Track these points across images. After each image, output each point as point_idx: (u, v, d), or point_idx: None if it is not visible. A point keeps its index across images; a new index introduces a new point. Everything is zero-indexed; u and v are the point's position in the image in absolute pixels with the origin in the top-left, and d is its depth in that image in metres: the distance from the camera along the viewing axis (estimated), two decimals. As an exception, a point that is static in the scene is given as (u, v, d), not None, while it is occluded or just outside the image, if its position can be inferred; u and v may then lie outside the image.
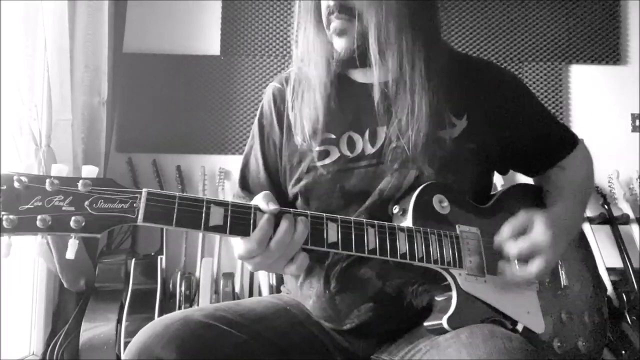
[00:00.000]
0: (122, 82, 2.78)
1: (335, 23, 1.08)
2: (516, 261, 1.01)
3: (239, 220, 0.88)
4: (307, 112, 1.13)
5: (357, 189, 1.09)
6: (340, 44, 1.10)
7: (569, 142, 1.25)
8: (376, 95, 1.09)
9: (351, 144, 1.12)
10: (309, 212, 0.93)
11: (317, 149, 1.12)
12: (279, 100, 1.21)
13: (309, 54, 1.14)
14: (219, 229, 0.86)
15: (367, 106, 1.10)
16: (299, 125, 1.13)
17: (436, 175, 1.06)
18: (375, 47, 1.05)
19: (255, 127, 1.25)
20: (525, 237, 1.01)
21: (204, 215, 0.85)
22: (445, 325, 0.96)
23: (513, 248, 1.01)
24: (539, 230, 1.01)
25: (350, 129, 1.12)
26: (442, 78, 1.07)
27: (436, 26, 1.14)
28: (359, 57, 1.07)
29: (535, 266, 0.99)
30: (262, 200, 0.91)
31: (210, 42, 2.91)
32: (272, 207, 0.89)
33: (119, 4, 2.73)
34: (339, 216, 0.94)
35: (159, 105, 2.85)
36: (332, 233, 0.92)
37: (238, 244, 0.90)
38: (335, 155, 1.12)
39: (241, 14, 2.92)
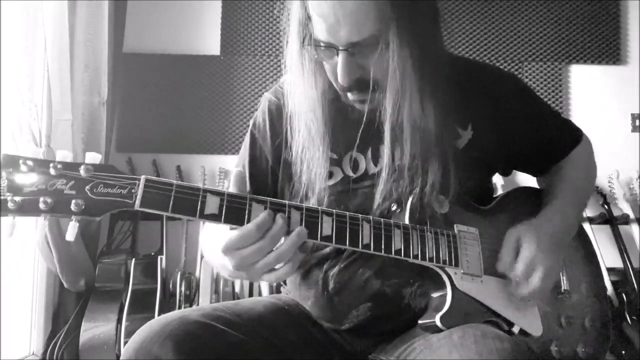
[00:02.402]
0: (122, 82, 2.78)
1: (355, 96, 1.04)
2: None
3: (234, 210, 0.88)
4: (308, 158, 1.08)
5: (361, 209, 1.05)
6: (361, 107, 1.06)
7: (571, 139, 1.24)
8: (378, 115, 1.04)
9: (354, 164, 1.10)
10: (304, 205, 0.93)
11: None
12: (276, 116, 1.17)
13: (305, 100, 1.07)
14: (214, 218, 0.86)
15: (369, 125, 1.05)
16: (302, 167, 1.09)
17: (441, 186, 1.03)
18: (390, 107, 1.01)
19: (247, 138, 1.23)
20: (518, 258, 1.03)
21: (199, 203, 0.86)
22: (439, 323, 0.95)
23: (516, 272, 1.02)
24: (527, 246, 1.03)
25: (352, 148, 1.10)
26: (444, 92, 1.04)
27: (439, 41, 1.08)
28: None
29: (534, 281, 1.01)
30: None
31: (210, 42, 2.92)
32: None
33: (119, 4, 2.73)
34: (334, 210, 0.94)
35: (159, 105, 2.86)
36: (327, 226, 0.92)
37: (227, 234, 0.88)
38: (338, 176, 1.10)
39: (241, 14, 2.92)
